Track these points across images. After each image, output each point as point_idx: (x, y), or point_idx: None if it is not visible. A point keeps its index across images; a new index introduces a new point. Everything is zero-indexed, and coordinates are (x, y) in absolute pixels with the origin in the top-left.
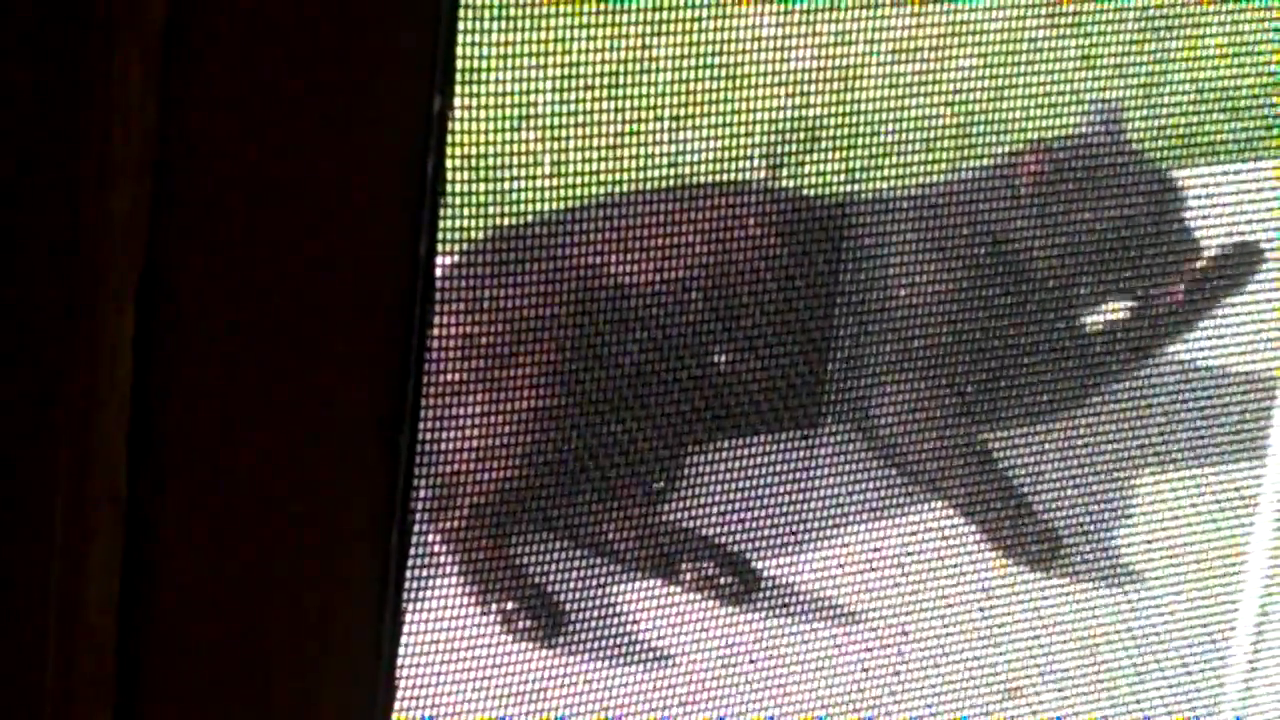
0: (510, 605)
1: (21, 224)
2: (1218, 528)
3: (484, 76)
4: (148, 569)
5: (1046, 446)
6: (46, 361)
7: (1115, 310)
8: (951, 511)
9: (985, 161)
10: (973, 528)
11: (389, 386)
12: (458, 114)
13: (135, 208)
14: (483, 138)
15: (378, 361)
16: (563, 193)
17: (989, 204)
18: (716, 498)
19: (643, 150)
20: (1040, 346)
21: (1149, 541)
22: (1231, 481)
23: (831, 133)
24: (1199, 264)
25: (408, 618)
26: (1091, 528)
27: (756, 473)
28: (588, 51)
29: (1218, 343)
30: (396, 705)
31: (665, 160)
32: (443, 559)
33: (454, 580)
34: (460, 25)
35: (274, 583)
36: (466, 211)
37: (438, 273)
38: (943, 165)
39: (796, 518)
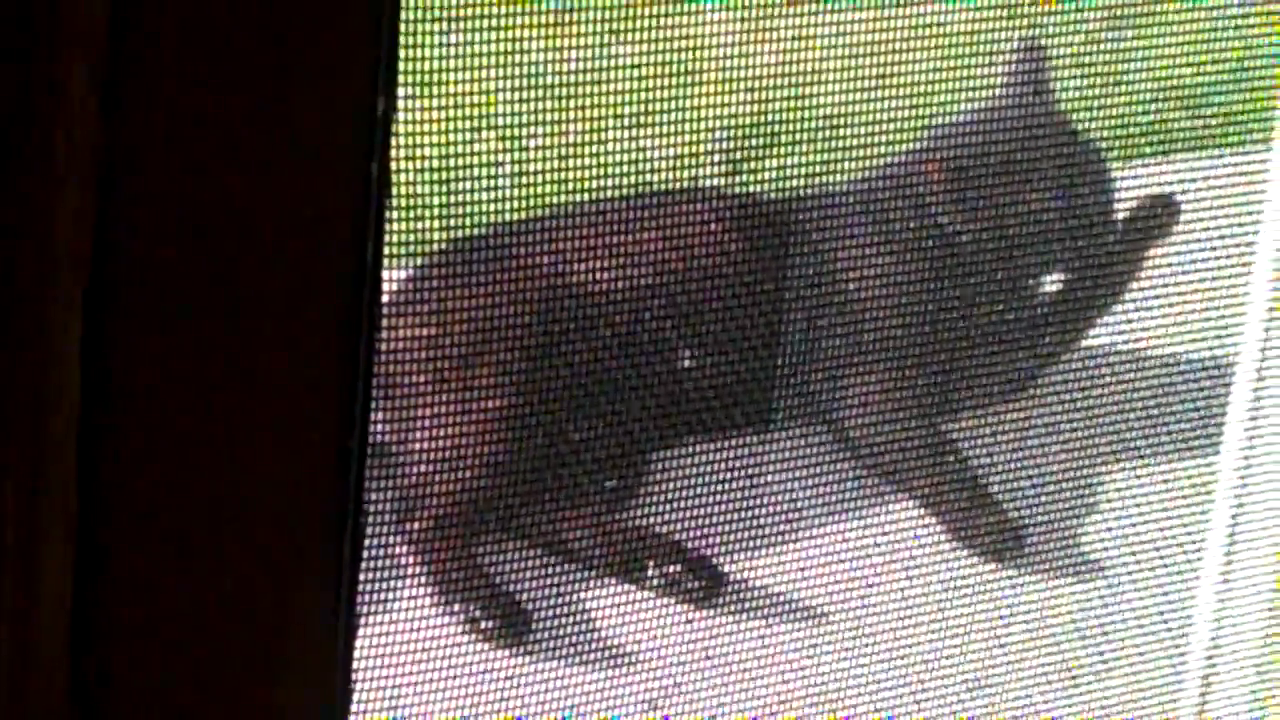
0: (475, 608)
1: None
2: (1176, 518)
3: (441, 82)
4: (99, 575)
5: (1005, 438)
6: None
7: (1056, 276)
8: (913, 505)
9: (911, 147)
10: (934, 521)
11: (338, 392)
12: (416, 122)
13: (80, 211)
14: (441, 145)
15: (326, 367)
16: (523, 197)
17: (911, 193)
18: (680, 499)
19: (602, 153)
20: (986, 325)
21: (1108, 532)
22: (1187, 471)
23: (790, 130)
24: (1121, 219)
25: (372, 621)
26: (1051, 519)
27: (719, 473)
28: (546, 55)
29: (1172, 331)
30: (361, 708)
31: (625, 163)
32: (407, 563)
33: (419, 584)
34: (417, 32)
35: (227, 591)
36: (427, 217)
37: (401, 279)
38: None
39: (759, 518)
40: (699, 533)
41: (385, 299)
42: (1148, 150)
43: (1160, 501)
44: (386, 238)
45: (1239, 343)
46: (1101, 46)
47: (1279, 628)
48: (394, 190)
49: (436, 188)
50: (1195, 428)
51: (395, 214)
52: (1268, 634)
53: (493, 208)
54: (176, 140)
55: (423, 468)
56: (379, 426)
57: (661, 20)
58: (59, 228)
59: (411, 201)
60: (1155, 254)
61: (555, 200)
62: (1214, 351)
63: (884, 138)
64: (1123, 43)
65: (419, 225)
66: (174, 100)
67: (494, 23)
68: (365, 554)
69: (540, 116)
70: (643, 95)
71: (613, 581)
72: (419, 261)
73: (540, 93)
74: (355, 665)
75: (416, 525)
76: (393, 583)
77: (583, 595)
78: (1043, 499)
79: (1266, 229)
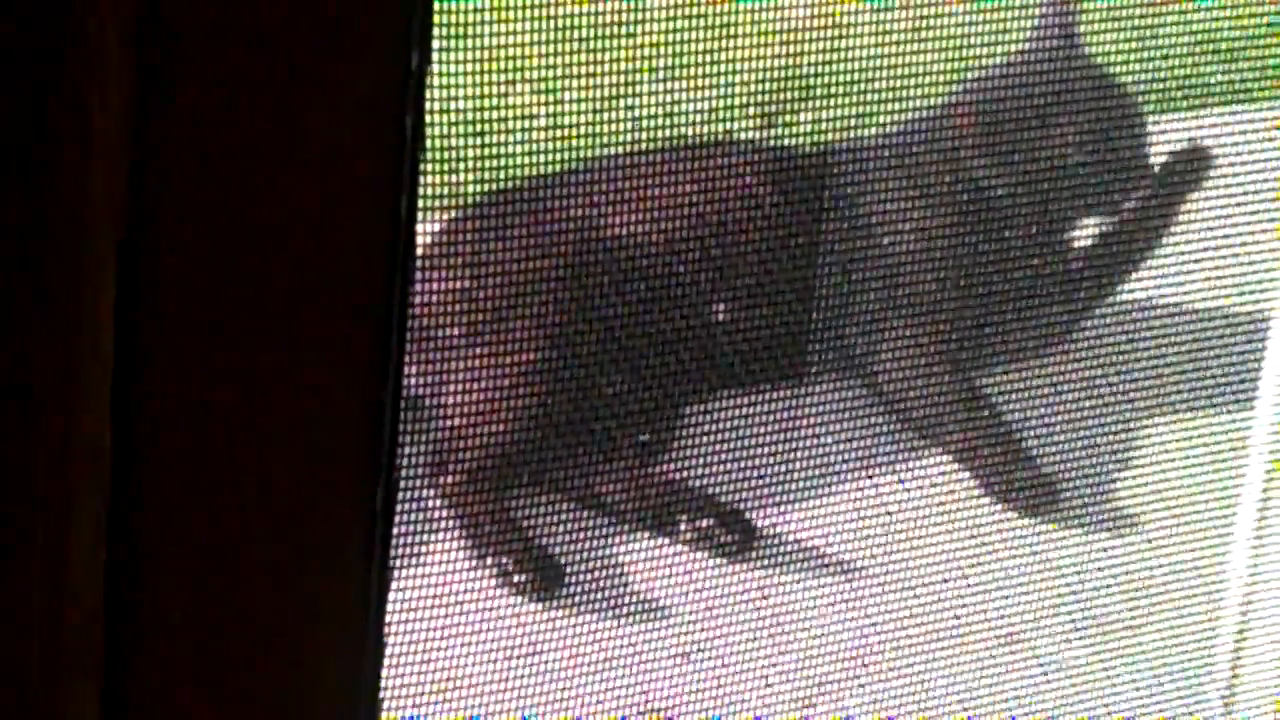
0: (508, 562)
1: None
2: (1211, 472)
3: (475, 35)
4: (133, 536)
5: (1039, 392)
6: (27, 339)
7: (1090, 228)
8: (947, 460)
9: (944, 98)
10: (968, 475)
11: (372, 346)
12: (450, 75)
13: (113, 174)
14: (475, 98)
15: (360, 321)
16: (557, 150)
17: (945, 145)
18: (713, 453)
19: (636, 105)
20: (1020, 278)
21: (1143, 487)
22: (1222, 425)
23: (824, 82)
24: (1155, 170)
25: (406, 574)
26: (1086, 474)
27: (753, 427)
28: (580, 7)
29: (1207, 285)
30: (395, 661)
31: (659, 116)
32: (441, 516)
33: (452, 537)
34: None
35: (261, 544)
36: (461, 169)
37: (434, 231)
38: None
39: (792, 472)
40: (732, 486)
41: (419, 251)
42: (1182, 104)
43: (1195, 455)
44: (420, 190)
45: (1275, 296)
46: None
47: None
48: (428, 143)
49: (471, 140)
50: (1230, 381)
51: (429, 166)
52: None
53: (527, 160)
54: (210, 97)
55: (456, 421)
56: (412, 379)
57: None
58: (93, 194)
59: (446, 154)
60: (1190, 207)
61: (589, 153)
62: (1250, 305)
63: (918, 89)
64: None
65: (453, 177)
66: (207, 57)
67: None
68: (399, 507)
69: (574, 69)
70: (677, 47)
71: (645, 535)
72: (453, 214)
73: (574, 45)
74: (388, 618)
75: (450, 479)
76: (426, 536)
77: (615, 549)
78: (1077, 453)
79: None
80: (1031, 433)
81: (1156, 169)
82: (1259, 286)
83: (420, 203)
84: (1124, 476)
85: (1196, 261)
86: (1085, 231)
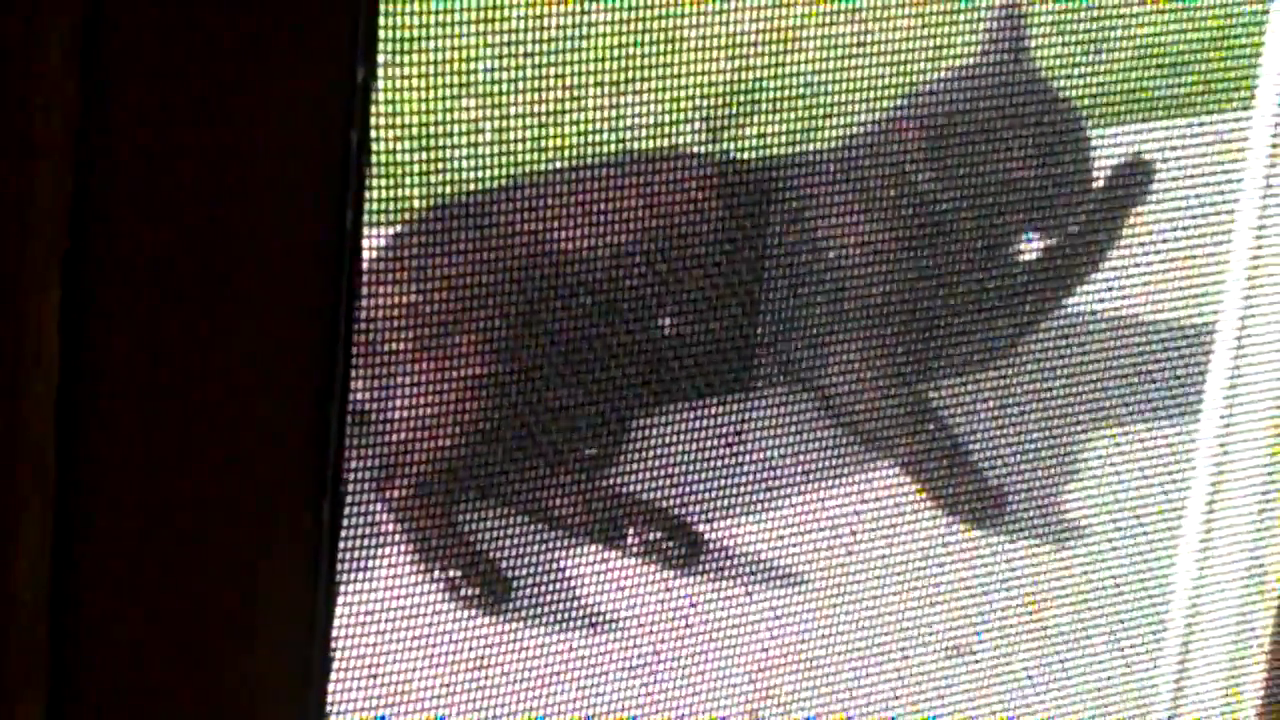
0: (456, 574)
1: None
2: (1156, 483)
3: (421, 47)
4: (77, 546)
5: (985, 403)
6: None
7: (1035, 240)
8: (894, 470)
9: (889, 110)
10: (915, 486)
11: (318, 358)
12: (397, 85)
13: (57, 184)
14: (421, 108)
15: (306, 333)
16: (504, 162)
17: (890, 157)
18: (660, 465)
19: (583, 118)
20: (966, 290)
21: (1089, 498)
22: (1167, 437)
23: (771, 95)
24: (1099, 183)
25: (352, 587)
26: (1032, 485)
27: (700, 438)
28: (526, 19)
29: (1152, 297)
30: (342, 674)
31: (605, 128)
32: (388, 529)
33: (399, 550)
34: None
35: (205, 557)
36: (407, 182)
37: (380, 243)
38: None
39: (740, 483)
40: (679, 498)
41: (365, 264)
42: (1127, 116)
43: (1140, 467)
44: (366, 203)
45: (1219, 308)
46: (1081, 10)
47: (1257, 593)
48: (374, 155)
49: (417, 153)
50: (1175, 393)
51: (375, 179)
52: (1246, 599)
53: (473, 172)
54: (154, 108)
55: (403, 434)
56: (359, 391)
57: None
58: (36, 205)
59: (391, 166)
60: (1135, 219)
61: (535, 165)
62: (1194, 317)
63: (864, 101)
64: (1102, 7)
65: (399, 190)
66: (152, 69)
67: None
68: (345, 520)
69: (520, 81)
70: (623, 59)
71: (593, 547)
72: (399, 226)
73: (520, 57)
74: (335, 631)
75: (397, 491)
76: (373, 549)
77: (563, 561)
78: (1024, 464)
79: (1245, 194)
80: (978, 444)
81: (1100, 182)
82: (1203, 298)
83: (366, 215)
84: (1070, 487)
85: (1140, 273)
86: (1031, 244)
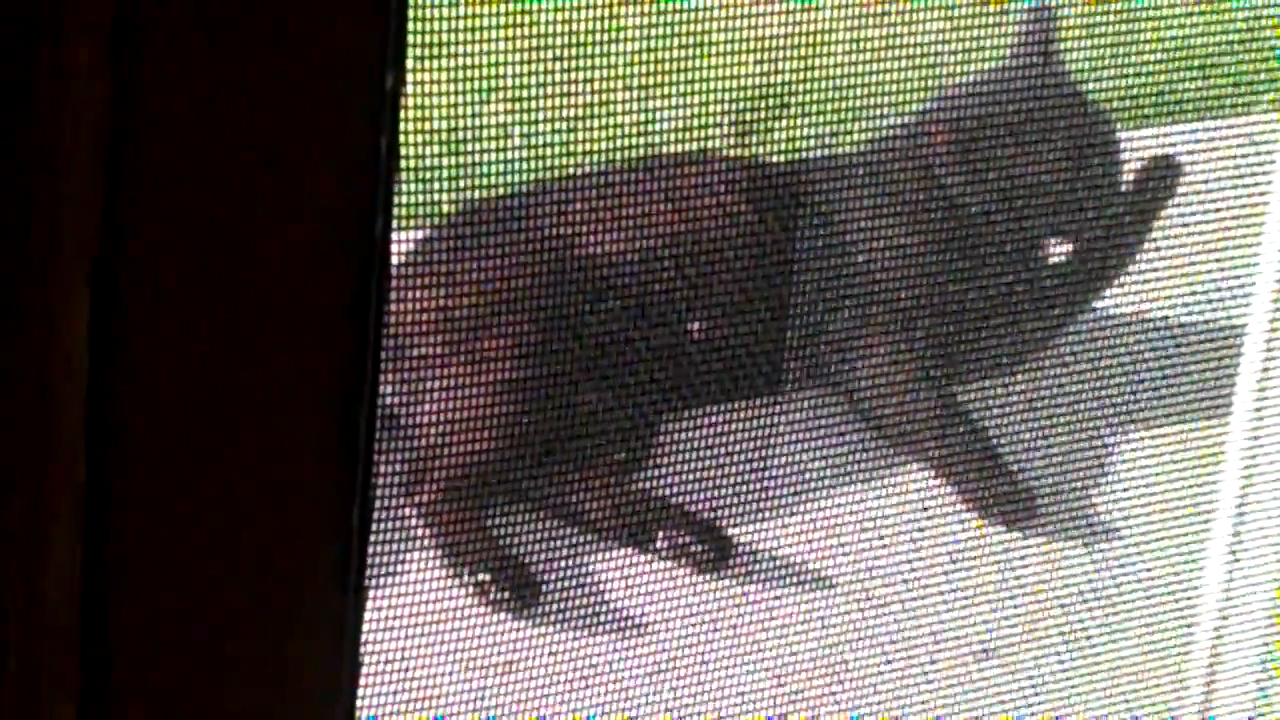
0: (485, 576)
1: None
2: (1186, 484)
3: (450, 51)
4: (107, 554)
5: (1016, 405)
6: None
7: (1064, 241)
8: (924, 472)
9: (918, 112)
10: (945, 488)
11: (347, 364)
12: (425, 89)
13: (87, 190)
14: (451, 112)
15: (335, 339)
16: (532, 165)
17: (919, 159)
18: (689, 467)
19: (611, 121)
20: (996, 291)
21: (1120, 499)
22: (1197, 437)
23: (800, 98)
24: (1128, 183)
25: (382, 590)
26: (1063, 486)
27: (729, 441)
28: (554, 21)
29: (1182, 297)
30: (372, 677)
31: (634, 130)
32: (418, 532)
33: (429, 552)
34: (425, 3)
35: (235, 564)
36: (436, 186)
37: (409, 247)
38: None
39: (769, 485)
40: (708, 500)
41: (395, 266)
42: (1156, 116)
43: (1171, 467)
44: (395, 206)
45: (1249, 308)
46: (1110, 10)
47: None
48: (403, 159)
49: (446, 155)
50: (1205, 394)
51: (404, 183)
52: (1277, 600)
53: (502, 175)
54: (184, 115)
55: (432, 436)
56: (388, 395)
57: None
58: (65, 210)
59: (421, 170)
60: (1164, 219)
61: (564, 168)
62: (1224, 317)
63: (893, 103)
64: (1132, 6)
65: (428, 193)
66: (181, 77)
67: None
68: (375, 523)
69: (548, 84)
70: (651, 61)
71: (622, 549)
72: (428, 229)
73: (548, 60)
74: (365, 633)
75: (426, 495)
76: (403, 552)
77: (592, 563)
78: (1055, 465)
79: (1275, 194)
80: (1009, 445)
81: (1129, 182)
82: (1232, 298)
83: (395, 218)
84: (1102, 488)
85: (1170, 274)
86: (1060, 245)
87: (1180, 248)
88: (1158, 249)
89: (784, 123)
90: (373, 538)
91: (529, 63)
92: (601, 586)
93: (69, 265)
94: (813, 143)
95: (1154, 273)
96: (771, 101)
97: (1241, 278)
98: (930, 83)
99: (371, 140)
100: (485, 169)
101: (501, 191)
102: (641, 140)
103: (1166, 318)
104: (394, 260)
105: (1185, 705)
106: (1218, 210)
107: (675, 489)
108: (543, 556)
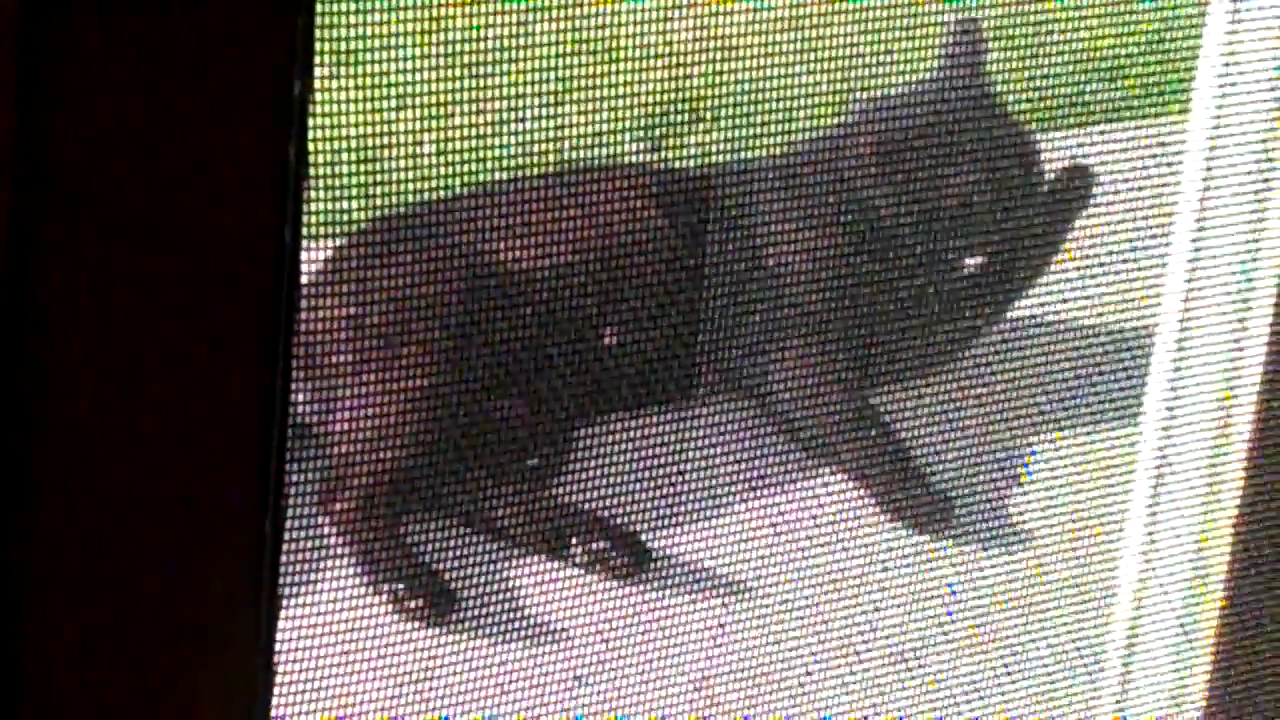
0: (400, 587)
1: None
2: (1099, 488)
3: (361, 61)
4: (16, 562)
5: (930, 410)
6: None
7: (977, 247)
8: (839, 478)
9: (839, 120)
10: (860, 493)
11: (258, 373)
12: (335, 99)
13: None
14: (362, 123)
15: (246, 347)
16: (444, 175)
17: (834, 168)
18: (604, 475)
19: (523, 130)
20: (910, 298)
21: (1033, 503)
22: (1110, 442)
23: (711, 106)
24: (1041, 189)
25: (296, 602)
26: (977, 491)
27: (644, 449)
28: (464, 33)
29: (1093, 302)
30: (286, 688)
31: (546, 140)
32: (332, 543)
33: (344, 563)
34: (334, 11)
35: (146, 573)
36: (347, 196)
37: (322, 258)
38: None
39: (684, 492)
40: (624, 508)
41: (306, 279)
42: (1067, 121)
43: (1084, 471)
44: (306, 217)
45: (1159, 312)
46: (1020, 16)
47: (1200, 597)
48: (313, 169)
49: (357, 166)
50: (1117, 398)
51: (315, 193)
52: (1189, 604)
53: (413, 186)
54: (92, 123)
55: (346, 447)
56: (301, 407)
57: None
58: None
59: (331, 181)
60: (1076, 226)
61: (476, 178)
62: (1135, 321)
63: (807, 113)
64: (1042, 12)
65: (339, 204)
66: (89, 84)
67: (412, 0)
68: (288, 534)
69: (460, 94)
70: (562, 72)
71: (538, 558)
72: (340, 241)
73: (460, 70)
74: (278, 646)
75: (340, 505)
76: (317, 562)
77: (508, 572)
78: (968, 470)
79: (1184, 199)
80: (923, 450)
81: (1042, 189)
82: (1143, 302)
83: (306, 230)
84: (1015, 492)
85: (1082, 279)
86: (973, 251)
87: (1090, 253)
88: (1069, 254)
89: (696, 130)
90: (286, 548)
91: (440, 71)
92: (518, 596)
93: None
94: (724, 150)
95: (1065, 277)
96: (682, 109)
97: (1151, 282)
98: (844, 92)
99: (280, 147)
100: (397, 179)
101: (413, 202)
102: (552, 151)
103: (1079, 322)
104: (307, 272)
105: (1099, 708)
106: (1127, 215)
107: (591, 497)
108: (458, 566)
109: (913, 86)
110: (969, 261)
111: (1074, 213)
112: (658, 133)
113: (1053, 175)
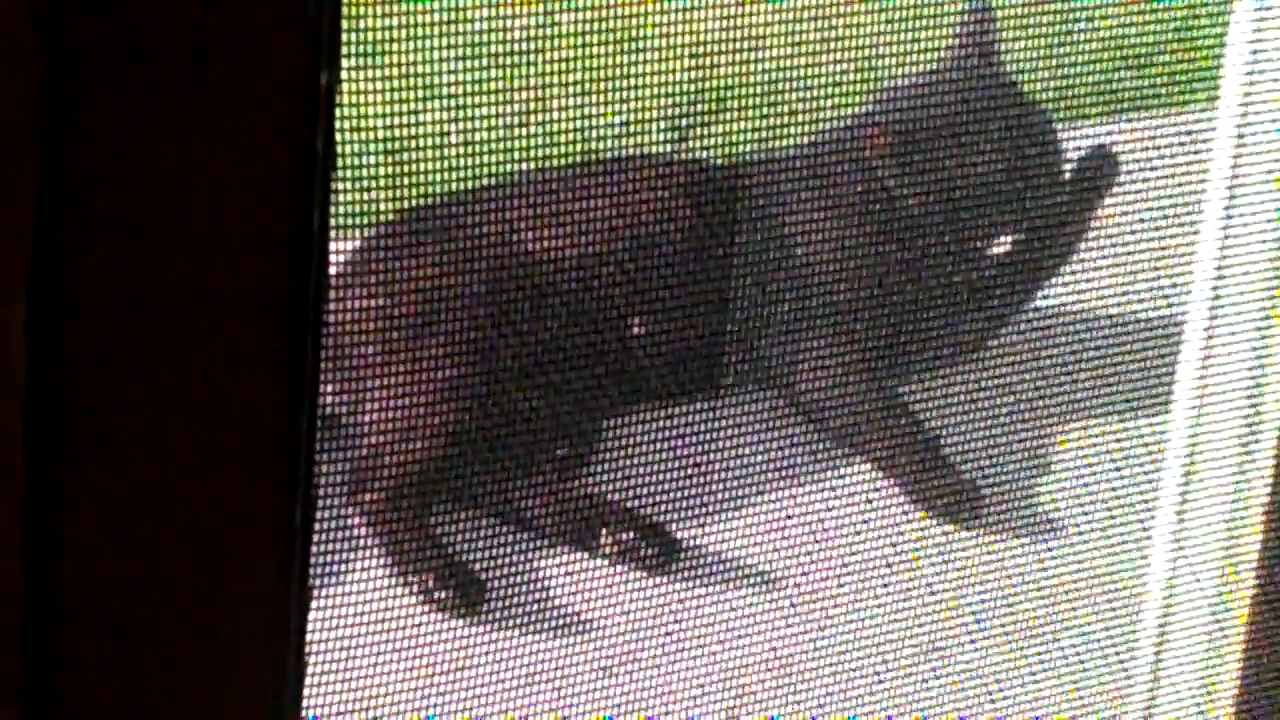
0: (430, 579)
1: None
2: (1128, 477)
3: (387, 53)
4: (49, 559)
5: (958, 400)
6: None
7: (1004, 236)
8: (867, 469)
9: (857, 111)
10: (889, 484)
11: (287, 365)
12: (362, 91)
13: (20, 193)
14: (389, 115)
15: (275, 340)
16: (470, 167)
17: (858, 157)
18: (633, 466)
19: (549, 121)
20: (936, 287)
21: (1062, 492)
22: (1139, 430)
23: (737, 96)
24: (1067, 178)
25: (326, 594)
26: (1006, 480)
27: (672, 440)
28: (490, 24)
29: (1121, 291)
30: (317, 680)
31: (572, 131)
32: (361, 535)
33: (373, 556)
34: (359, 2)
35: (178, 566)
36: (374, 188)
37: (349, 250)
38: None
39: (713, 483)
40: (652, 499)
41: (334, 270)
42: (1093, 111)
43: (1113, 460)
44: (333, 209)
45: (1187, 301)
46: (1047, 6)
47: (1230, 587)
48: (340, 161)
49: (384, 158)
50: (1146, 386)
51: (342, 185)
52: (1220, 592)
53: (441, 178)
54: (117, 115)
55: (375, 439)
56: (329, 399)
57: None
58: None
59: (359, 173)
60: (1102, 214)
61: (503, 169)
62: (1163, 310)
63: (832, 102)
64: (1069, 2)
65: (367, 196)
66: (113, 76)
67: None
68: (318, 527)
69: (486, 85)
70: (588, 63)
71: (567, 550)
72: (367, 233)
73: (486, 61)
74: (309, 638)
75: (369, 497)
76: (346, 555)
77: (537, 564)
78: (997, 460)
79: (1211, 188)
80: (952, 441)
81: (1068, 177)
82: (1171, 291)
83: (334, 222)
84: (1044, 482)
85: (1109, 268)
86: (1000, 240)
87: (1118, 242)
88: (1096, 244)
89: (722, 121)
90: (316, 541)
91: (465, 64)
92: (546, 587)
93: (4, 268)
94: (751, 142)
95: (1093, 267)
96: (709, 101)
97: (1179, 271)
98: (870, 81)
99: (307, 139)
100: (424, 171)
101: (440, 194)
102: (578, 142)
103: (1106, 311)
104: (335, 264)
105: (1131, 699)
106: (1155, 203)
107: (620, 489)
108: (487, 557)
109: (925, 73)
110: (994, 248)
111: (1098, 200)
112: (684, 124)
113: (1079, 163)
